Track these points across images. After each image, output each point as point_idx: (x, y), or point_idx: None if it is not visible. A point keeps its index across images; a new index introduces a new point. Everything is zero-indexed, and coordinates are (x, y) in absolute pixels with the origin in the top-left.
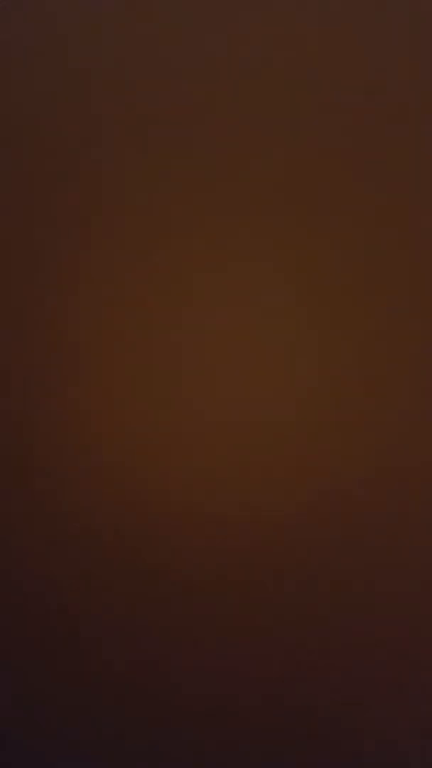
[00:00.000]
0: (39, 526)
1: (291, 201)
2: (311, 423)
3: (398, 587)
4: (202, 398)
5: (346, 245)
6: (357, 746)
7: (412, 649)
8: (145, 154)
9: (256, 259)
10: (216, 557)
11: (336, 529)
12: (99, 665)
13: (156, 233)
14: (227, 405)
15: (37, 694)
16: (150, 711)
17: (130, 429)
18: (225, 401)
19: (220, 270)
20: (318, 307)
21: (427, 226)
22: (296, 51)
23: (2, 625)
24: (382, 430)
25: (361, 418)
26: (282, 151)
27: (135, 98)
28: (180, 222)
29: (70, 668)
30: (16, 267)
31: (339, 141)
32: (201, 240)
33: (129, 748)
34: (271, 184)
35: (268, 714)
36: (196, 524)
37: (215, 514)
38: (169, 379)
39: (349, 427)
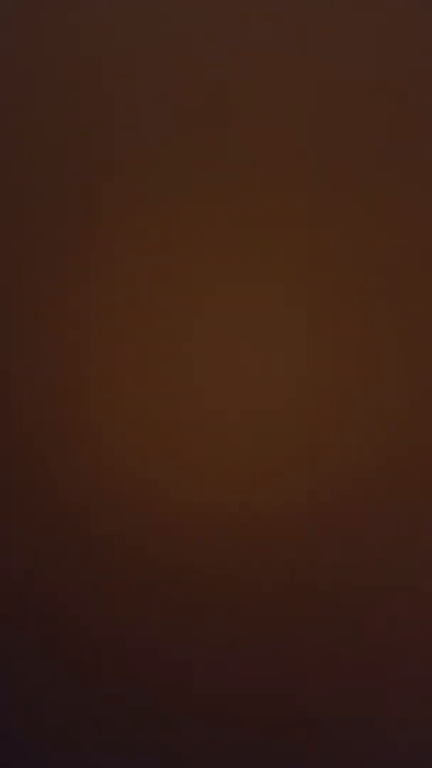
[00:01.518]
0: (39, 522)
1: (291, 203)
2: (312, 420)
3: (399, 588)
4: (203, 396)
5: (345, 245)
6: (355, 744)
7: (414, 647)
8: (150, 157)
9: (256, 257)
10: (217, 553)
11: (336, 525)
12: (99, 661)
13: (160, 232)
14: (227, 403)
15: (36, 690)
16: (149, 707)
17: (131, 427)
18: (225, 399)
19: (221, 268)
20: (320, 306)
21: (427, 228)
22: (304, 56)
23: (2, 621)
24: (382, 427)
25: (362, 416)
26: (289, 158)
27: (142, 104)
28: (182, 220)
29: (70, 663)
30: (20, 266)
31: (342, 147)
32: (204, 239)
33: (129, 747)
34: (273, 187)
35: (266, 712)
36: (195, 521)
37: (215, 511)
38: (170, 377)
39: (349, 424)
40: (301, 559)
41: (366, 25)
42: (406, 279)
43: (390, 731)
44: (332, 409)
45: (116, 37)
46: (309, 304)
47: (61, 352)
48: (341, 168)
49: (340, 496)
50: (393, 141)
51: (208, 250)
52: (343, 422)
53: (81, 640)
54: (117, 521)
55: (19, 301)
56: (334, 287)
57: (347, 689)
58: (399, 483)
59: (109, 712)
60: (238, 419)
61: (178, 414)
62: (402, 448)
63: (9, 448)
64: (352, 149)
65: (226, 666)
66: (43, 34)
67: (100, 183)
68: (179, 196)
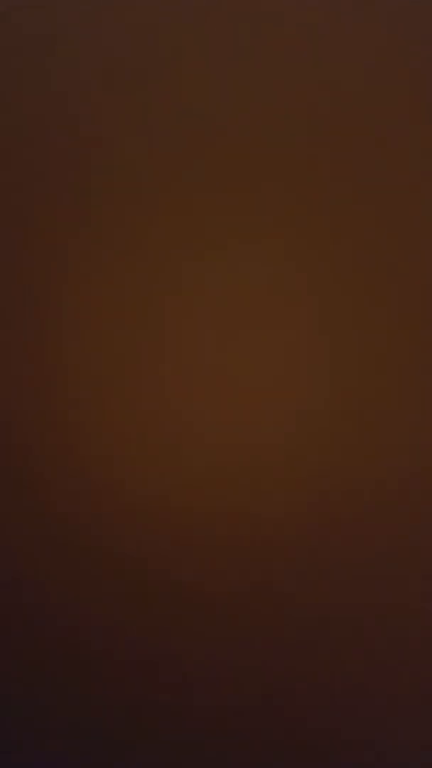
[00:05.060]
0: (36, 534)
1: (291, 195)
2: (313, 432)
3: (399, 594)
4: (202, 405)
5: (348, 254)
6: (356, 750)
7: (414, 651)
8: (141, 148)
9: (259, 270)
10: (216, 564)
11: (336, 536)
12: (96, 673)
13: (160, 252)
14: (226, 413)
15: (32, 703)
16: (147, 720)
17: (129, 436)
18: (225, 409)
19: (222, 281)
20: (322, 314)
21: (429, 231)
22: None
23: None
24: (384, 438)
25: (364, 428)
26: (288, 147)
27: (131, 90)
28: (184, 241)
29: (66, 675)
30: (7, 276)
31: (342, 137)
32: (203, 253)
33: (127, 754)
34: (271, 182)
35: (267, 717)
36: (194, 532)
37: (214, 522)
38: (169, 385)
39: (351, 435)
40: (302, 569)
41: (365, 13)
42: (408, 280)
43: (390, 750)
44: (334, 421)
45: (117, 31)
46: (311, 312)
47: (57, 360)
48: (341, 157)
49: (341, 507)
50: (393, 128)
51: (211, 262)
52: (345, 433)
53: (77, 653)
54: (114, 532)
55: (13, 305)
56: (336, 292)
57: (348, 691)
58: (401, 493)
59: (106, 725)
60: (237, 430)
61: (176, 423)
62: (403, 457)
63: (3, 459)
64: (351, 138)
65: (228, 672)
66: (43, 32)
67: (97, 177)
68: (177, 190)
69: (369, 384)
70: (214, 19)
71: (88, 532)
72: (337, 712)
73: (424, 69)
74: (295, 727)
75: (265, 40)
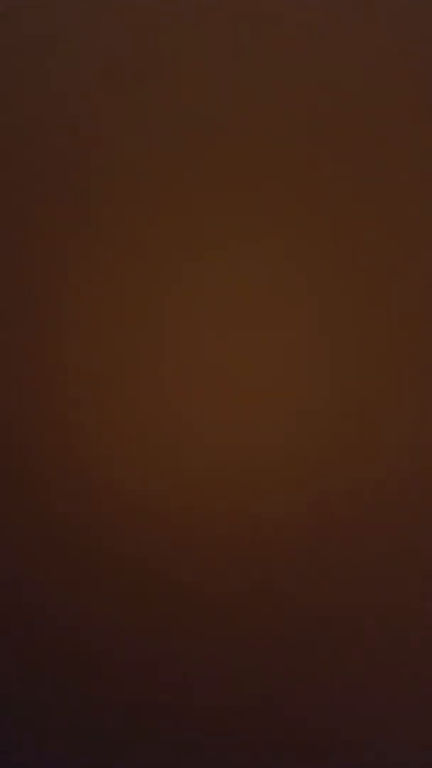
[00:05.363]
0: (36, 540)
1: (291, 194)
2: (313, 431)
3: (399, 594)
4: (202, 405)
5: (348, 254)
6: (356, 750)
7: (414, 651)
8: (141, 148)
9: (259, 270)
10: (216, 564)
11: (336, 535)
12: (96, 674)
13: (160, 252)
14: (226, 412)
15: (32, 704)
16: (146, 720)
17: (129, 437)
18: (225, 408)
19: (222, 281)
20: (322, 314)
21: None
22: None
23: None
24: (384, 438)
25: (364, 427)
26: (288, 147)
27: (131, 90)
28: (184, 241)
29: (66, 676)
30: (7, 276)
31: (342, 137)
32: (203, 253)
33: (127, 754)
34: (271, 182)
35: (267, 717)
36: (194, 532)
37: (214, 522)
38: (170, 385)
39: (351, 435)
40: (302, 569)
41: (365, 13)
42: (408, 280)
43: (390, 750)
44: (334, 421)
45: (117, 31)
46: (311, 312)
47: (57, 360)
48: (341, 157)
49: (341, 507)
50: (393, 128)
51: (210, 264)
52: (345, 433)
53: (77, 653)
54: (114, 532)
55: (13, 305)
56: (336, 292)
57: (348, 692)
58: (401, 493)
59: (106, 725)
60: (237, 430)
61: (176, 423)
62: (403, 457)
63: (3, 459)
64: (351, 138)
65: (227, 673)
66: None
67: (97, 177)
68: (177, 190)
69: (369, 384)
70: (214, 19)
71: (88, 532)
72: (337, 712)
73: (424, 69)
74: (295, 727)
75: (265, 40)
